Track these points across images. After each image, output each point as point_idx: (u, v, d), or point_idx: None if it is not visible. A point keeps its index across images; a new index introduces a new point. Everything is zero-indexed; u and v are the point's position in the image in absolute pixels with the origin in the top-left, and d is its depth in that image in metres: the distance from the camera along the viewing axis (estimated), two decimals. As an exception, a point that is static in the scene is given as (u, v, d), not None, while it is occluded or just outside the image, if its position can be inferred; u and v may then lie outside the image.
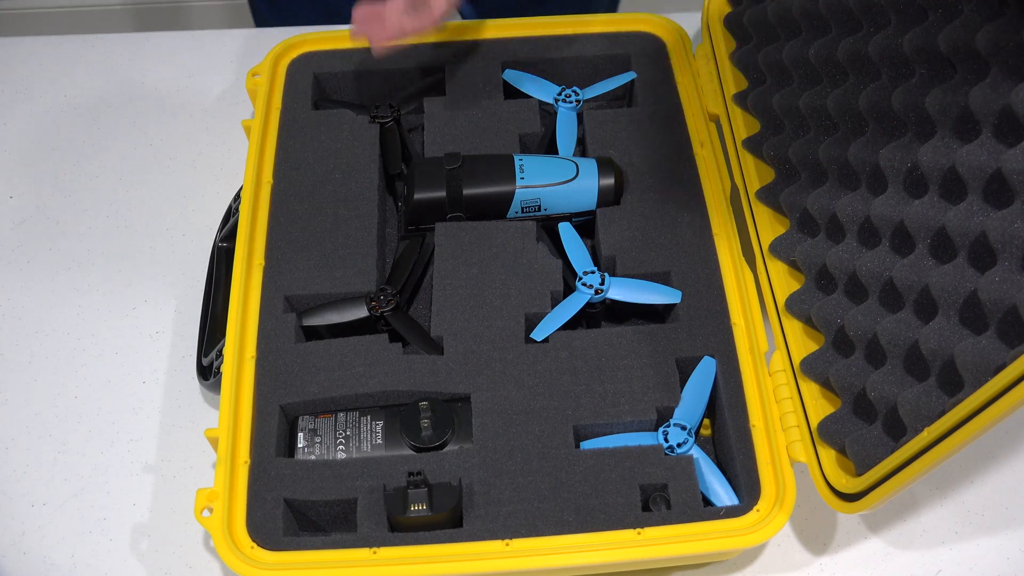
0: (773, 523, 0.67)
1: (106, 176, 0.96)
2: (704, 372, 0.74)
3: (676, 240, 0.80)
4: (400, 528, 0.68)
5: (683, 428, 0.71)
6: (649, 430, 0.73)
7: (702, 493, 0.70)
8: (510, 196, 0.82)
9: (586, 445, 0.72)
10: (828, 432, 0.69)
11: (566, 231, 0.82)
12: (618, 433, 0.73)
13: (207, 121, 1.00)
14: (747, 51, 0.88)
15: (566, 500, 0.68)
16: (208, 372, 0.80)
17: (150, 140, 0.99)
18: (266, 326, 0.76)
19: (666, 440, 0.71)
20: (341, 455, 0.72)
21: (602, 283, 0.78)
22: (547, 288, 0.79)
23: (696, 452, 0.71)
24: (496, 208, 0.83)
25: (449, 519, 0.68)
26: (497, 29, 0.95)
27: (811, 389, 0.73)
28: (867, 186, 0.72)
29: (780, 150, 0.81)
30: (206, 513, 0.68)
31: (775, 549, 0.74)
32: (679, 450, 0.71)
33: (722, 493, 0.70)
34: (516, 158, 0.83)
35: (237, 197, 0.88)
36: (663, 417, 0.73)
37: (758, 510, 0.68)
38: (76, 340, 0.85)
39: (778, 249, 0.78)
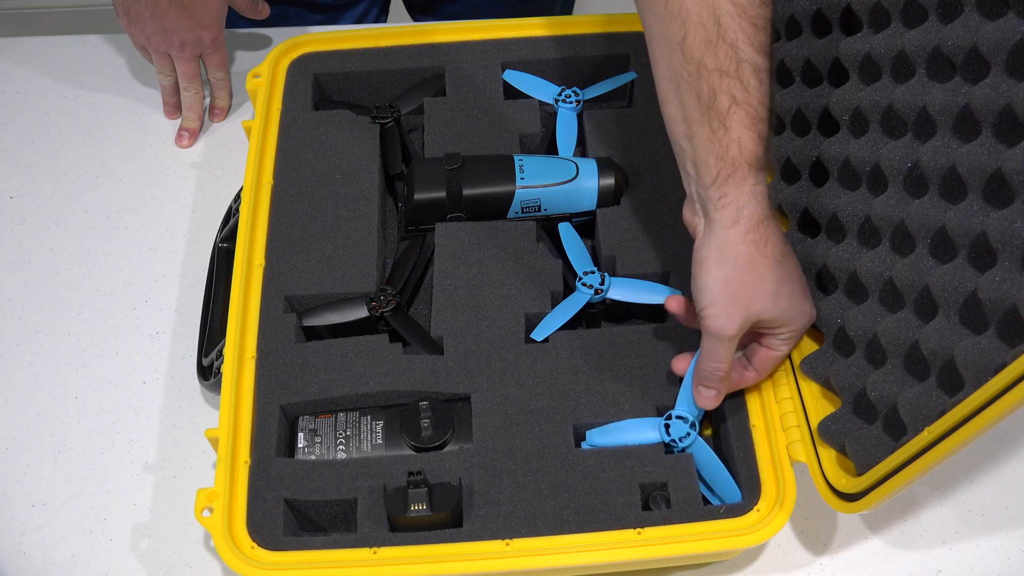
0: (773, 523, 0.67)
1: (106, 176, 0.96)
2: None
3: (676, 240, 0.80)
4: (400, 528, 0.68)
5: (685, 420, 0.71)
6: (650, 426, 0.73)
7: (704, 486, 0.70)
8: (510, 196, 0.82)
9: (589, 433, 0.72)
10: (828, 432, 0.69)
11: (566, 231, 0.82)
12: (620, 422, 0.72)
13: (207, 121, 1.00)
14: (747, 51, 0.88)
15: (566, 500, 0.68)
16: (208, 372, 0.80)
17: (150, 141, 0.99)
18: (266, 326, 0.76)
19: (668, 433, 0.71)
20: (341, 455, 0.72)
21: (602, 283, 0.78)
22: (547, 288, 0.79)
23: (699, 444, 0.71)
24: (496, 208, 0.83)
25: (449, 519, 0.68)
26: (497, 29, 0.94)
27: (811, 389, 0.72)
28: (867, 186, 0.71)
29: (780, 150, 0.81)
30: (206, 513, 0.68)
31: (775, 549, 0.74)
32: (682, 443, 0.70)
33: (726, 486, 0.70)
34: (516, 158, 0.83)
35: (237, 198, 0.88)
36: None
37: (758, 510, 0.68)
38: (76, 340, 0.85)
39: (778, 249, 0.78)
